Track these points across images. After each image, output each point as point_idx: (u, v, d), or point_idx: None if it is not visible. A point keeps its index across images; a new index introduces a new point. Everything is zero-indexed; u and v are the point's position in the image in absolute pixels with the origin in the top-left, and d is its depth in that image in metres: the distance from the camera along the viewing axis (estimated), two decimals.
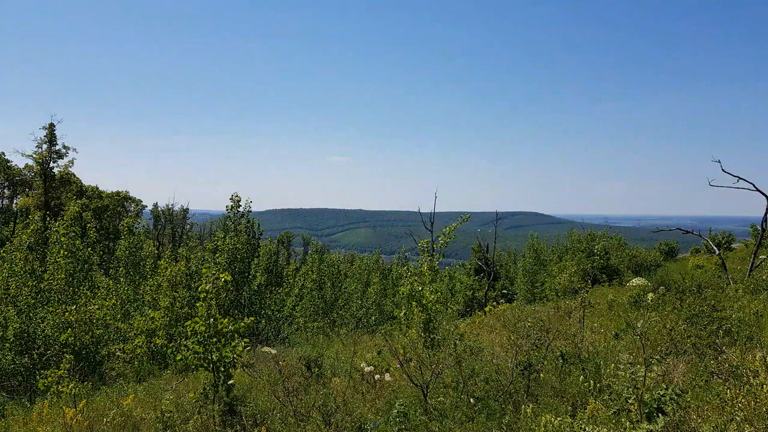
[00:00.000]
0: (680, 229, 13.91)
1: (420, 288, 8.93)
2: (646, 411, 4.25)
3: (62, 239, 12.03)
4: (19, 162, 46.45)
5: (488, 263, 29.38)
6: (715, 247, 13.55)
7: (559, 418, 4.75)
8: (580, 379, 6.05)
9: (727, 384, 5.26)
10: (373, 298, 22.19)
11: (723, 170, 12.37)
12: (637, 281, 16.18)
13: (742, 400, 4.71)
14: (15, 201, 39.45)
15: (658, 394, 4.29)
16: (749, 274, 12.22)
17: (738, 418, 4.34)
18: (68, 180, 35.67)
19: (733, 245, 28.02)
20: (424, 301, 8.77)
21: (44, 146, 33.43)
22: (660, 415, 4.17)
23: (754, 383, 5.03)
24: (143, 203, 43.90)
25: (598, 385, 5.98)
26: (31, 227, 16.63)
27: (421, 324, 8.72)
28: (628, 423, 4.21)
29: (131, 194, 42.35)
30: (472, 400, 5.49)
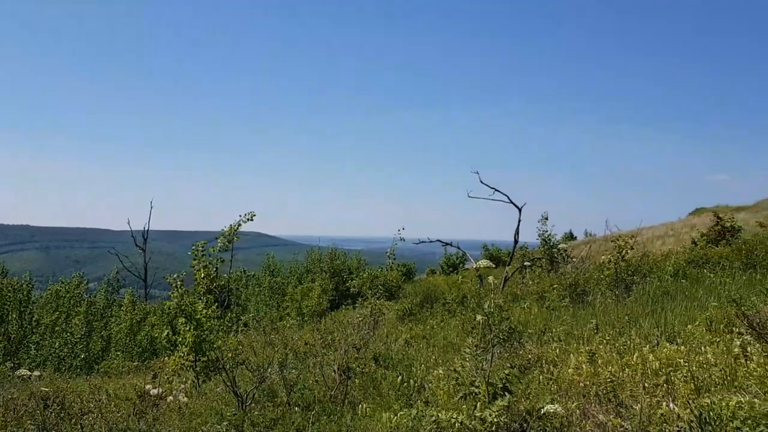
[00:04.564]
0: (440, 241, 16.10)
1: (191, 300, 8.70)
2: (492, 392, 5.04)
3: None
4: None
5: (221, 289, 29.16)
6: (472, 260, 16.06)
7: (401, 412, 5.29)
8: (398, 380, 6.75)
9: (533, 372, 6.51)
10: (81, 332, 20.18)
11: (481, 182, 14.80)
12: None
13: (551, 385, 5.94)
14: None
15: (504, 374, 5.14)
16: (503, 286, 14.76)
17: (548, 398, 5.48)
18: None
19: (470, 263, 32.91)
20: (198, 316, 8.56)
21: None
22: (507, 393, 5.01)
23: (554, 371, 6.36)
24: None
25: (415, 384, 6.77)
26: None
27: (191, 343, 8.50)
28: (478, 404, 4.94)
29: None
30: (297, 408, 5.70)
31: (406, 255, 41.87)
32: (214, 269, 9.18)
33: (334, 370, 6.44)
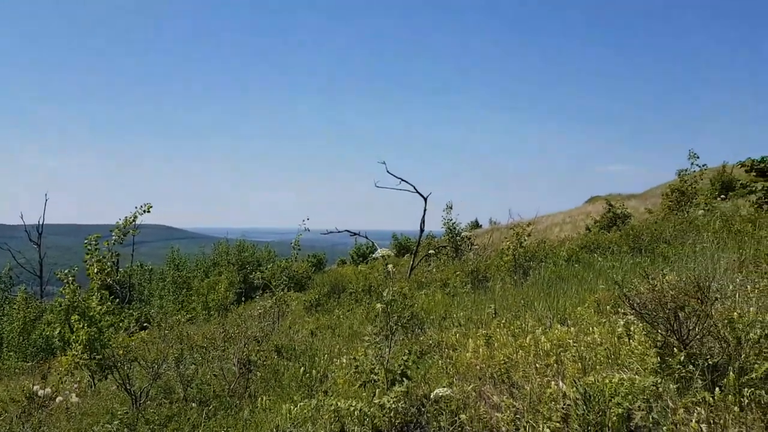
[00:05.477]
0: (348, 231, 16.10)
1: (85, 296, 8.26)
2: (391, 378, 5.08)
3: None
4: None
5: (122, 284, 28.05)
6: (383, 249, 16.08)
7: (301, 403, 5.24)
8: (301, 371, 6.69)
9: (433, 357, 6.62)
10: None
11: (388, 172, 14.91)
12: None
13: (449, 369, 6.07)
14: None
15: (402, 360, 5.19)
16: (410, 275, 14.95)
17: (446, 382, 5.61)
18: None
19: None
20: (91, 313, 8.14)
21: None
22: (405, 379, 5.06)
23: (453, 355, 6.50)
24: None
25: (317, 374, 6.73)
26: None
27: (84, 341, 8.08)
28: (377, 391, 4.97)
29: None
30: (194, 404, 5.53)
31: (318, 246, 41.70)
32: (109, 264, 8.74)
33: (234, 364, 6.30)
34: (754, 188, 14.78)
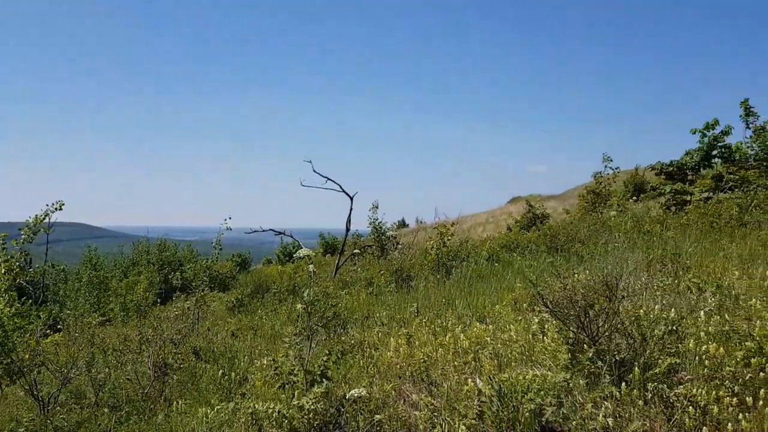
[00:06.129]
0: (273, 230, 15.89)
1: None
2: (311, 379, 5.04)
3: None
4: None
5: (35, 285, 26.67)
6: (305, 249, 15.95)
7: (218, 406, 5.12)
8: (219, 374, 6.54)
9: (354, 357, 6.61)
10: None
11: (314, 170, 14.81)
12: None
13: (370, 368, 6.08)
14: None
15: (322, 361, 5.15)
16: (335, 274, 14.90)
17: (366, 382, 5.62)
18: None
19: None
20: None
21: None
22: (325, 380, 5.03)
23: (374, 354, 6.51)
24: None
25: (236, 377, 6.60)
26: None
27: None
28: (296, 393, 4.92)
29: None
30: (106, 409, 5.31)
31: (245, 245, 40.95)
32: (17, 264, 8.28)
33: (149, 367, 6.08)
34: (663, 191, 15.53)
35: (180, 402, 5.51)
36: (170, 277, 25.00)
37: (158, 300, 22.41)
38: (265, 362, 6.49)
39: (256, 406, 4.79)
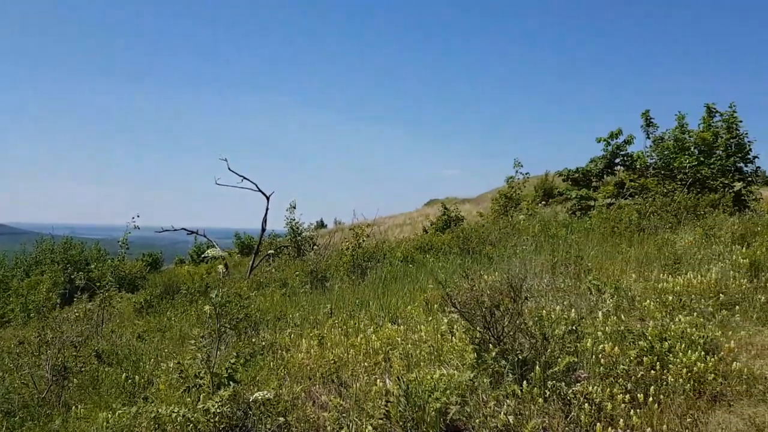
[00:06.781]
0: (185, 229, 15.45)
1: None
2: (217, 382, 4.92)
3: None
4: None
5: None
6: (220, 250, 15.62)
7: (120, 411, 4.93)
8: (123, 377, 6.29)
9: (265, 358, 6.52)
10: None
11: (229, 169, 14.52)
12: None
13: (281, 370, 6.02)
14: None
15: (230, 363, 5.03)
16: (249, 274, 14.65)
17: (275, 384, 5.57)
18: None
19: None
20: None
21: None
22: (232, 382, 4.92)
23: (286, 356, 6.45)
24: None
25: (141, 380, 6.37)
26: None
27: None
28: (202, 396, 4.79)
29: None
30: None
31: (158, 244, 39.59)
32: None
33: (47, 371, 5.78)
34: (569, 196, 16.20)
35: (79, 407, 5.26)
36: (74, 277, 23.85)
37: (59, 302, 21.32)
38: (171, 365, 6.31)
39: (160, 410, 4.63)
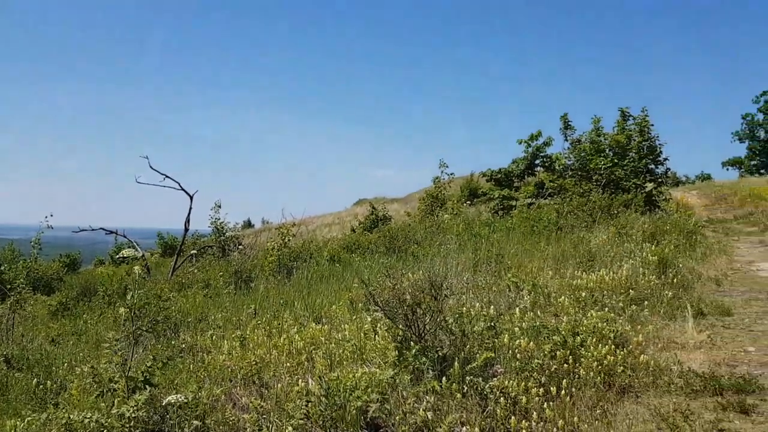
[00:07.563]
0: (103, 229, 14.88)
1: None
2: (133, 386, 4.77)
3: None
4: None
5: None
6: (140, 250, 15.14)
7: (29, 417, 4.71)
8: (34, 383, 6.02)
9: (184, 361, 6.36)
10: None
11: (151, 167, 14.10)
12: None
13: (201, 372, 5.89)
14: None
15: (146, 366, 4.88)
16: (171, 275, 14.26)
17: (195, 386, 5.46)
18: None
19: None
20: None
21: None
22: (148, 386, 4.77)
23: (206, 358, 6.32)
24: None
25: (53, 385, 6.10)
26: None
27: None
28: (116, 401, 4.63)
29: None
30: None
31: (75, 245, 38.00)
32: None
33: None
34: (492, 196, 16.59)
35: None
36: None
37: None
38: (86, 369, 6.07)
39: (71, 416, 4.45)
